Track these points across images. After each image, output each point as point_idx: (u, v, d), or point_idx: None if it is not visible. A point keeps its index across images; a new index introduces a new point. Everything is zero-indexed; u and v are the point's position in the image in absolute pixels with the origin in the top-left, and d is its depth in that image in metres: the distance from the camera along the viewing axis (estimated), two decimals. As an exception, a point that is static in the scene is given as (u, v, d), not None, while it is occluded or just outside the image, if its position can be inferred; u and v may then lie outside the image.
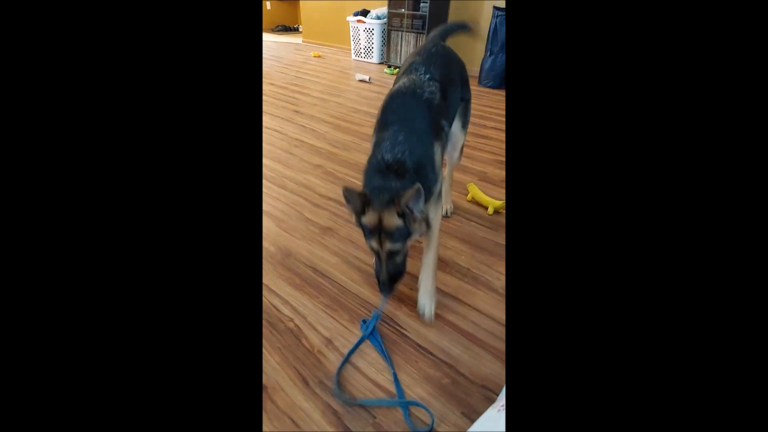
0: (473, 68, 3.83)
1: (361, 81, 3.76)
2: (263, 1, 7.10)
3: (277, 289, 1.17)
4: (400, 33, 4.20)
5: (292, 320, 1.06)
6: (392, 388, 0.88)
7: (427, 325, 1.06)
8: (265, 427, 0.80)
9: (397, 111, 1.00)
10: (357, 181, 0.96)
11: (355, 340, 1.00)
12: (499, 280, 1.22)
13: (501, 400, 0.69)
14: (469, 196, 1.66)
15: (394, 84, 1.18)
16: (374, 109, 2.89)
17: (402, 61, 4.24)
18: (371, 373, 0.92)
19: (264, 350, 0.97)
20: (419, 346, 0.99)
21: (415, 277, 1.19)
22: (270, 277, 1.21)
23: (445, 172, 1.22)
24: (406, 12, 4.03)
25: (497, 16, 3.36)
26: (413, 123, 0.97)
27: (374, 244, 0.93)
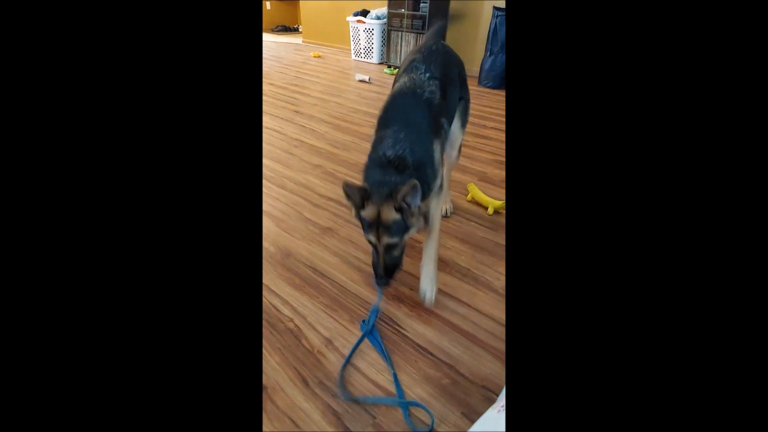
0: (473, 68, 3.84)
1: (360, 81, 3.76)
2: (263, 1, 7.10)
3: (276, 290, 1.17)
4: (400, 33, 4.20)
5: (291, 320, 1.06)
6: (392, 389, 0.88)
7: (427, 324, 1.06)
8: (265, 428, 0.79)
9: (398, 110, 1.02)
10: (357, 181, 0.97)
11: (354, 340, 0.99)
12: (499, 280, 1.22)
13: (501, 401, 0.69)
14: (469, 197, 1.66)
15: (395, 82, 1.20)
16: (374, 109, 2.90)
17: (402, 61, 4.25)
18: (371, 373, 0.92)
19: (264, 350, 0.97)
20: (419, 346, 0.99)
21: (415, 277, 1.19)
22: (270, 277, 1.21)
23: (444, 170, 1.24)
24: (406, 12, 4.03)
25: (497, 16, 3.36)
26: (414, 122, 0.99)
27: (372, 237, 0.96)
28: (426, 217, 1.00)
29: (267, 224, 1.48)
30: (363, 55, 4.77)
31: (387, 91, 1.11)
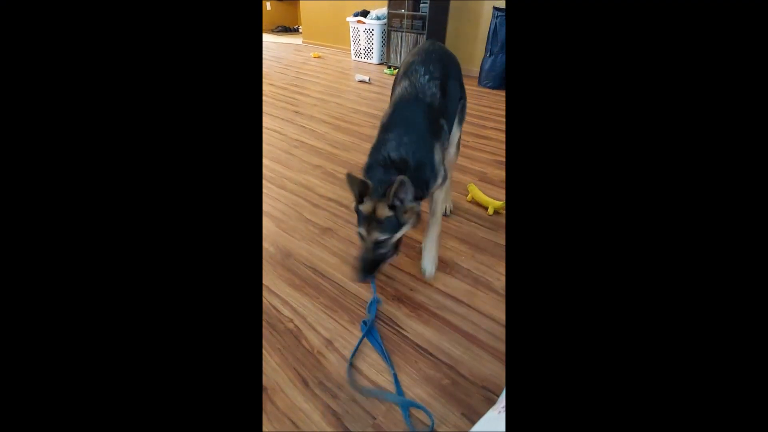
0: (473, 68, 3.84)
1: (360, 81, 3.76)
2: (263, 2, 7.11)
3: (276, 290, 1.16)
4: (400, 33, 4.21)
5: (291, 321, 1.06)
6: (393, 389, 0.88)
7: (427, 325, 1.05)
8: (264, 429, 0.79)
9: (401, 115, 1.08)
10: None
11: (354, 341, 0.99)
12: (500, 280, 1.22)
13: (502, 402, 0.69)
14: (469, 197, 1.66)
15: (395, 84, 1.24)
16: (374, 109, 2.90)
17: (401, 62, 4.25)
18: (372, 374, 0.92)
19: (264, 351, 0.97)
20: (419, 346, 0.99)
21: (415, 278, 1.20)
22: (269, 278, 1.21)
23: (447, 166, 1.29)
24: (406, 12, 4.03)
25: (497, 17, 3.36)
26: (416, 126, 1.05)
27: (363, 230, 1.00)
28: (419, 215, 1.05)
29: (267, 224, 1.48)
30: (363, 56, 4.77)
31: (387, 92, 1.14)
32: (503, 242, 1.40)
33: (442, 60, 1.23)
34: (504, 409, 0.65)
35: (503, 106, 3.06)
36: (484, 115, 2.86)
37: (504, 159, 2.08)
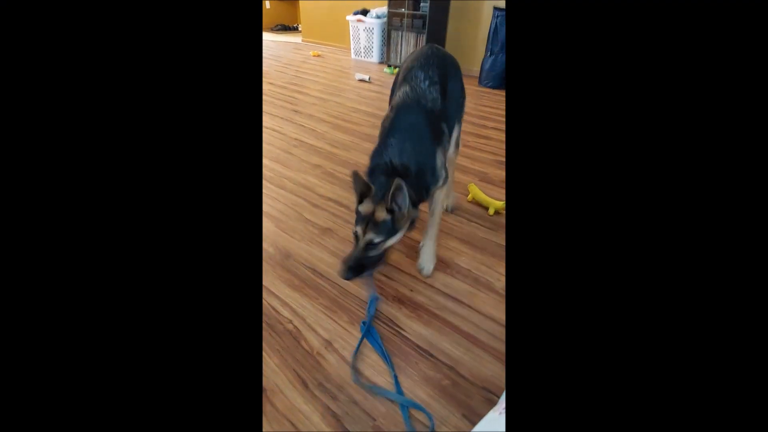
0: (474, 68, 3.83)
1: (360, 80, 3.76)
2: (263, 0, 7.10)
3: (276, 291, 1.16)
4: (400, 32, 4.20)
5: (291, 322, 1.06)
6: (393, 390, 0.87)
7: (427, 326, 1.05)
8: (264, 430, 0.79)
9: (404, 120, 1.10)
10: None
11: (354, 342, 0.99)
12: (500, 281, 1.22)
13: (502, 403, 0.68)
14: (469, 197, 1.65)
15: (395, 88, 1.27)
16: (374, 108, 2.89)
17: (401, 61, 4.25)
18: (372, 375, 0.91)
19: (263, 352, 0.96)
20: (419, 347, 0.99)
21: (414, 278, 1.20)
22: (269, 278, 1.21)
23: (448, 167, 1.31)
24: (406, 11, 4.02)
25: (497, 16, 3.36)
26: (418, 133, 1.08)
27: (359, 230, 1.01)
28: (413, 222, 1.08)
29: (266, 225, 1.48)
30: (363, 55, 4.76)
31: (387, 91, 1.14)
32: (504, 242, 1.39)
33: (441, 64, 1.24)
34: (505, 410, 0.64)
35: (503, 105, 3.06)
36: (485, 114, 2.86)
37: (504, 159, 2.07)
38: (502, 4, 3.40)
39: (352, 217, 1.00)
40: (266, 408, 0.83)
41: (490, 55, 3.54)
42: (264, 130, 2.41)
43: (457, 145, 1.47)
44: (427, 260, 1.25)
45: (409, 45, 4.16)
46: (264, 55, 4.94)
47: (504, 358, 0.96)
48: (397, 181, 0.92)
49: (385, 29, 4.32)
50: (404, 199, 0.97)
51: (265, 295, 1.15)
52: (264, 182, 1.78)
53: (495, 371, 0.93)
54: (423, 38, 3.94)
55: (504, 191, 1.74)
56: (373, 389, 0.87)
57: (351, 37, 4.79)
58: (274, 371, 0.92)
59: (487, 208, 1.59)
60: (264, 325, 1.04)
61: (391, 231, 1.01)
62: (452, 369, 0.93)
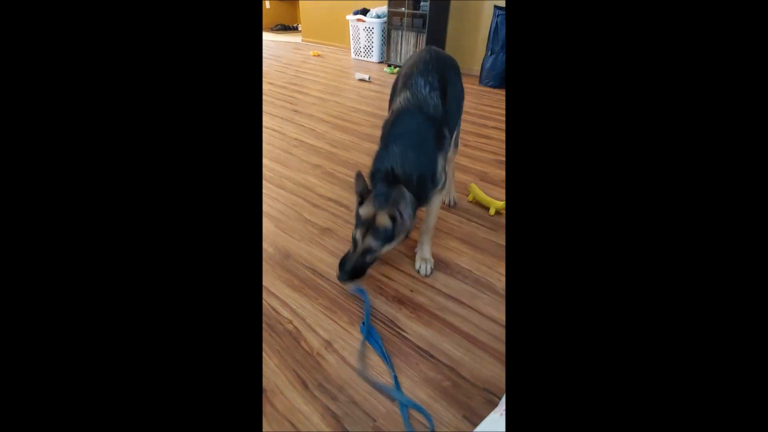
0: (474, 67, 3.83)
1: (360, 80, 3.76)
2: (263, 0, 7.10)
3: (275, 291, 1.16)
4: (400, 32, 4.19)
5: (291, 322, 1.05)
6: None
7: (427, 326, 1.05)
8: (264, 431, 0.79)
9: (405, 127, 1.11)
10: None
11: (354, 343, 0.99)
12: (501, 281, 1.21)
13: (503, 404, 0.68)
14: (470, 197, 1.65)
15: (395, 92, 1.27)
16: (374, 108, 2.89)
17: (402, 61, 4.24)
18: (372, 375, 0.91)
19: (263, 353, 0.96)
20: (420, 348, 0.99)
21: (414, 278, 1.19)
22: (269, 279, 1.20)
23: (447, 169, 1.32)
24: (407, 11, 4.02)
25: (498, 15, 3.35)
26: (420, 140, 1.09)
27: (358, 234, 1.03)
28: (408, 233, 1.10)
29: (266, 225, 1.47)
30: (363, 54, 4.76)
31: (387, 90, 1.15)
32: (504, 242, 1.39)
33: (441, 68, 1.23)
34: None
35: (504, 105, 3.06)
36: (485, 114, 2.85)
37: (505, 158, 2.07)
38: (503, 3, 3.39)
39: (352, 217, 1.00)
40: (266, 408, 0.83)
41: (490, 55, 3.54)
42: (264, 130, 2.40)
43: (456, 145, 1.47)
44: (422, 262, 1.25)
45: (409, 44, 4.15)
46: (264, 54, 4.94)
47: (504, 358, 0.95)
48: (402, 189, 0.93)
49: (385, 29, 4.32)
50: (407, 207, 0.98)
51: (264, 295, 1.14)
52: (264, 182, 1.78)
53: (496, 372, 0.93)
54: (423, 38, 3.93)
55: (504, 191, 1.74)
56: (378, 385, 0.88)
57: (351, 37, 4.79)
58: (274, 372, 0.91)
59: (487, 208, 1.59)
60: (264, 325, 1.04)
61: (389, 238, 1.03)
62: (453, 370, 0.93)
